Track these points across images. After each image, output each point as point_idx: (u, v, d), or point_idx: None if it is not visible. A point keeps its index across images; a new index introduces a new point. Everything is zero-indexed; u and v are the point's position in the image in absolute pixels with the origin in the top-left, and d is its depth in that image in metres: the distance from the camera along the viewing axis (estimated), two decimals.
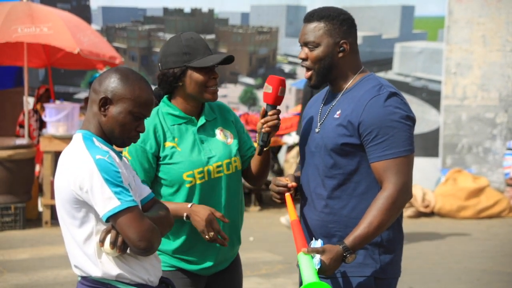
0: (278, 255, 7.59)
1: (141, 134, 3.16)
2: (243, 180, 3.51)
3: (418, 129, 10.50)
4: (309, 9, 8.79)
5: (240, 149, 3.46)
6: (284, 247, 7.83)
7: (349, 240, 2.93)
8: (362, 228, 2.93)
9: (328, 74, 3.11)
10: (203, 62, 3.28)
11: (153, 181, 3.33)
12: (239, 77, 11.62)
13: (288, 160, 10.27)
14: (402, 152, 2.98)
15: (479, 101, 11.08)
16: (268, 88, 3.20)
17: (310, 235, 3.14)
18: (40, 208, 9.28)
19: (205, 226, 3.22)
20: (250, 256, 7.39)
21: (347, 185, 3.06)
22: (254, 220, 9.45)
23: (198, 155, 3.31)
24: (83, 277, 2.77)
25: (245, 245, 8.01)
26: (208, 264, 3.36)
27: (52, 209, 8.67)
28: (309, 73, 3.13)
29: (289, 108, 11.46)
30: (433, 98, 11.23)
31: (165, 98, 3.39)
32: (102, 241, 2.67)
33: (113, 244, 2.66)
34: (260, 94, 11.50)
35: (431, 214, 9.87)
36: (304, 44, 3.12)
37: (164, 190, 3.32)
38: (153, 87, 3.15)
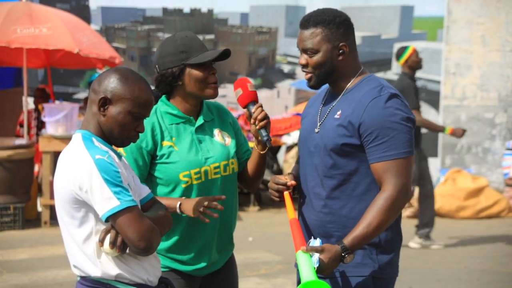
0: (277, 255, 7.59)
1: None
2: None
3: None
4: (308, 9, 8.76)
5: (237, 152, 3.45)
6: (283, 247, 7.83)
7: (348, 240, 2.93)
8: (361, 228, 2.93)
9: (329, 77, 3.12)
10: (200, 58, 3.27)
11: (149, 180, 3.32)
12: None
13: (288, 160, 10.28)
14: (402, 153, 2.98)
15: (479, 101, 11.09)
16: (238, 91, 3.23)
17: (308, 234, 3.14)
18: (39, 208, 9.28)
19: (195, 204, 3.18)
20: (249, 256, 7.39)
21: (346, 185, 3.06)
22: (253, 220, 9.45)
23: (195, 155, 3.30)
24: (82, 277, 2.77)
25: (244, 245, 8.04)
26: (202, 264, 3.34)
27: (51, 209, 8.66)
28: (309, 75, 3.13)
29: (289, 108, 11.46)
30: (432, 98, 11.24)
31: (163, 97, 3.38)
32: (101, 241, 2.67)
33: (113, 244, 2.66)
34: (260, 93, 11.50)
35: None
36: (303, 51, 3.12)
37: (160, 190, 3.31)
38: (153, 87, 3.15)
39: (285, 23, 11.63)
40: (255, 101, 3.23)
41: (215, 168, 3.33)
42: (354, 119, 3.01)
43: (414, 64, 8.04)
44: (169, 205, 3.19)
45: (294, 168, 3.36)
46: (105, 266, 2.71)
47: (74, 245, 2.74)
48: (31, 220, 9.08)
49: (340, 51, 3.08)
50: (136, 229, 2.64)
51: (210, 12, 11.61)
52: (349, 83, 3.13)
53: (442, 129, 8.27)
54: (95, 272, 2.72)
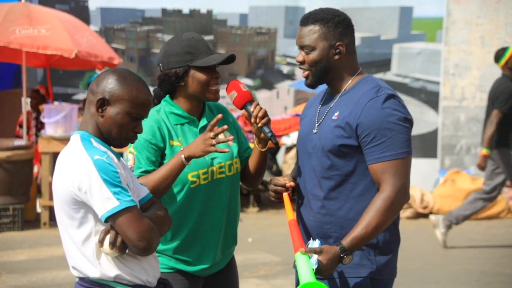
0: (276, 256, 7.59)
1: (146, 130, 3.16)
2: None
3: (417, 130, 10.50)
4: (307, 10, 8.81)
5: (238, 150, 3.46)
6: (282, 248, 7.83)
7: (346, 241, 2.93)
8: (359, 229, 2.93)
9: (325, 76, 3.12)
10: (206, 61, 3.27)
11: None
12: (237, 78, 11.60)
13: (287, 161, 10.28)
14: (400, 154, 2.98)
15: (478, 102, 11.08)
16: (233, 94, 3.23)
17: (306, 235, 3.14)
18: (39, 209, 9.27)
19: (200, 142, 3.13)
20: (249, 257, 7.39)
21: (344, 186, 3.06)
22: (252, 221, 9.45)
23: None
24: (80, 278, 2.77)
25: (243, 246, 8.03)
26: (206, 264, 3.36)
27: (51, 210, 8.66)
28: (306, 72, 3.14)
29: (288, 109, 11.46)
30: (431, 99, 11.24)
31: (167, 97, 3.37)
32: (101, 242, 2.67)
33: (113, 244, 2.66)
34: (259, 94, 11.51)
35: (429, 215, 9.87)
36: (301, 47, 3.12)
37: None
38: (152, 88, 3.15)
39: (284, 24, 11.63)
40: (251, 100, 3.23)
41: (220, 168, 3.34)
42: (351, 120, 3.02)
43: None
44: (172, 166, 3.14)
45: (294, 170, 3.37)
46: (104, 267, 2.71)
47: (73, 246, 2.74)
48: (30, 221, 9.08)
49: (337, 51, 3.08)
50: (136, 229, 2.63)
51: (209, 13, 11.61)
52: (347, 84, 3.13)
53: None
54: (94, 273, 2.72)
